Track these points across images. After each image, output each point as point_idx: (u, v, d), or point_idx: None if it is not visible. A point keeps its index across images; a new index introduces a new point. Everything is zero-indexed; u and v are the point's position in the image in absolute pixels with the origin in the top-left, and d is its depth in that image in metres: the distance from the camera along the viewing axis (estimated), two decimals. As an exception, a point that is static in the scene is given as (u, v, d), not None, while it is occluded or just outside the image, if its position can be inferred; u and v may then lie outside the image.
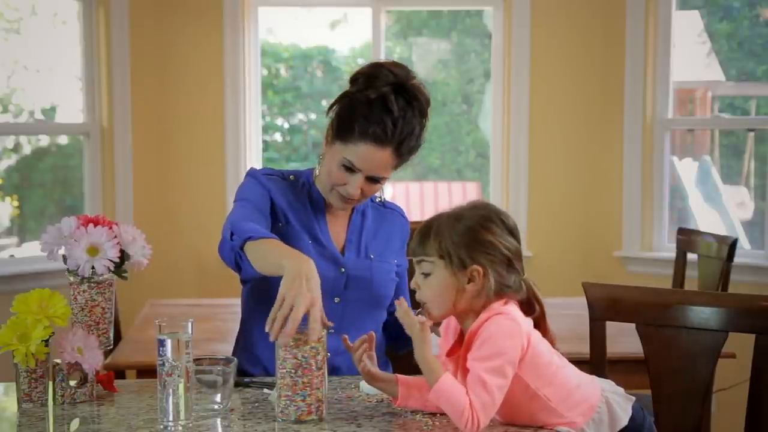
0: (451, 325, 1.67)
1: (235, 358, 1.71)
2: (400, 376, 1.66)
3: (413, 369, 2.29)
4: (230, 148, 4.40)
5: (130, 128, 4.25)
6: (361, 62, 1.99)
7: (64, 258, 1.77)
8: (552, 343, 1.63)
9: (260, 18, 4.52)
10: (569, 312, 3.07)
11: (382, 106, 1.86)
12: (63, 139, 4.48)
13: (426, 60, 6.30)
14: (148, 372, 2.52)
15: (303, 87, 6.16)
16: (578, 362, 1.71)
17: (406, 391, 1.64)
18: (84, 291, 1.78)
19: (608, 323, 2.03)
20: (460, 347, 1.60)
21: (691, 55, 4.56)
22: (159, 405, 1.57)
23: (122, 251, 1.78)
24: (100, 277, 1.77)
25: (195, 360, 1.63)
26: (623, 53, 4.27)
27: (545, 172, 4.43)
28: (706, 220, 4.52)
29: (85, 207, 4.21)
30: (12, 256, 4.18)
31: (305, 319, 1.54)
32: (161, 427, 1.56)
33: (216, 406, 1.66)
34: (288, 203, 1.98)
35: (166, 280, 4.19)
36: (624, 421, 1.64)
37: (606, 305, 2.02)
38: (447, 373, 1.54)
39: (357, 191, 1.90)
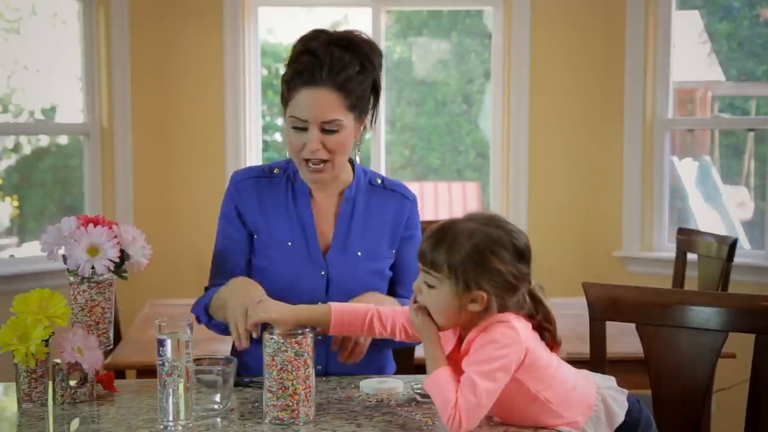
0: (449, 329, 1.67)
1: (235, 359, 1.71)
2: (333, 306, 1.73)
3: (414, 368, 2.29)
4: (230, 148, 4.40)
5: (130, 128, 4.25)
6: (380, 51, 1.95)
7: (64, 258, 1.77)
8: (556, 351, 1.62)
9: (260, 18, 4.52)
10: (569, 312, 3.06)
11: (305, 53, 1.84)
12: (63, 139, 4.48)
13: (426, 60, 6.30)
14: (148, 372, 2.53)
15: (303, 87, 6.14)
16: (578, 362, 1.71)
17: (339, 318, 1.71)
18: (84, 291, 1.78)
19: (608, 323, 2.02)
20: (458, 352, 1.60)
21: (691, 55, 4.56)
22: (159, 405, 1.57)
23: (122, 251, 1.78)
24: (100, 277, 1.78)
25: (195, 360, 1.63)
26: (623, 53, 4.27)
27: (545, 172, 4.43)
28: (706, 220, 4.52)
29: (85, 207, 4.21)
30: (12, 256, 4.18)
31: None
32: (161, 427, 1.56)
33: (216, 406, 1.66)
34: (263, 210, 1.95)
35: (166, 280, 4.18)
36: (621, 416, 1.64)
37: (606, 305, 2.01)
38: (446, 367, 1.54)
39: (315, 145, 1.84)
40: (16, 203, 4.42)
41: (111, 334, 1.83)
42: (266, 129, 5.80)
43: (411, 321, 1.63)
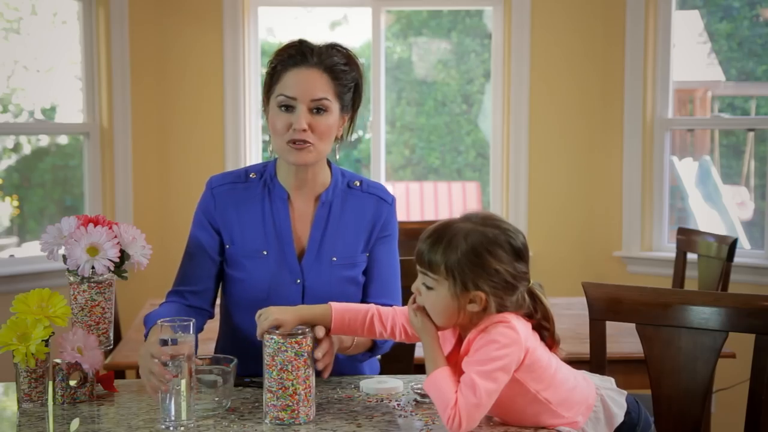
0: (449, 329, 1.67)
1: (235, 358, 1.71)
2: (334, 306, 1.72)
3: (414, 368, 2.29)
4: (230, 148, 4.40)
5: (130, 128, 4.25)
6: (362, 62, 1.97)
7: (64, 258, 1.77)
8: (555, 350, 1.62)
9: (260, 18, 4.52)
10: (569, 312, 3.07)
11: (292, 46, 1.88)
12: (63, 139, 4.48)
13: (426, 60, 6.31)
14: (148, 372, 2.53)
15: (303, 87, 6.15)
16: (578, 362, 1.72)
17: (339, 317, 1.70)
18: (84, 291, 1.78)
19: (608, 323, 2.03)
20: (458, 352, 1.60)
21: (691, 55, 4.56)
22: (161, 405, 1.57)
23: (122, 251, 1.79)
24: (100, 277, 1.78)
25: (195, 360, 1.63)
26: (623, 53, 4.27)
27: (545, 172, 4.44)
28: (706, 220, 4.52)
29: (85, 207, 4.21)
30: (12, 256, 4.18)
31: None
32: (162, 427, 1.56)
33: (216, 406, 1.66)
34: (239, 218, 1.94)
35: (166, 280, 4.16)
36: (620, 417, 1.64)
37: (606, 305, 2.01)
38: (445, 367, 1.54)
39: (302, 123, 1.83)
40: (16, 203, 4.42)
41: (111, 334, 1.83)
42: (266, 129, 5.81)
43: (409, 322, 1.63)
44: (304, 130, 1.84)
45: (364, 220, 1.97)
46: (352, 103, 1.94)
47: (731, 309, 1.90)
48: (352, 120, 1.96)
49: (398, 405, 1.71)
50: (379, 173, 4.53)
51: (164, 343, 1.56)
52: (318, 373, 1.66)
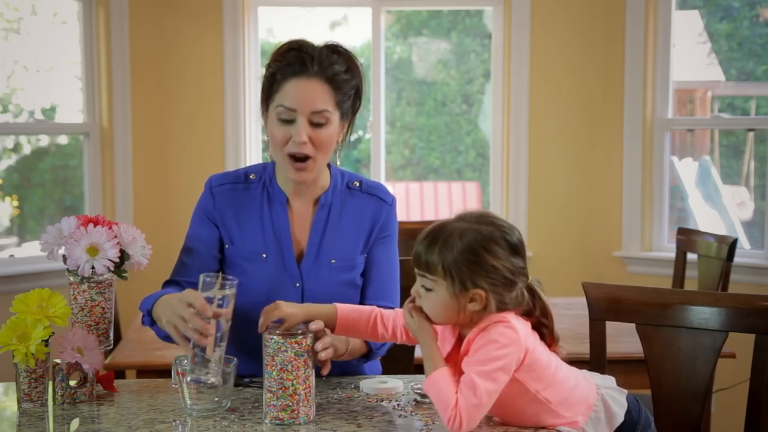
0: (448, 328, 1.67)
1: (235, 358, 1.71)
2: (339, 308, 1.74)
3: (414, 368, 2.29)
4: (230, 148, 4.40)
5: (130, 128, 4.25)
6: (362, 62, 1.96)
7: (64, 258, 1.77)
8: (555, 348, 1.62)
9: (260, 18, 4.52)
10: (569, 312, 3.07)
11: (291, 50, 1.85)
12: (63, 139, 4.48)
13: (426, 60, 6.31)
14: (148, 372, 2.53)
15: (303, 87, 6.14)
16: (578, 362, 1.71)
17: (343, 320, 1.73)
18: (84, 291, 1.78)
19: (608, 323, 2.03)
20: (458, 352, 1.60)
21: (691, 55, 4.56)
22: (191, 358, 1.58)
23: (122, 251, 1.79)
24: (100, 277, 1.78)
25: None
26: (623, 53, 4.27)
27: (545, 172, 4.44)
28: (706, 220, 4.52)
29: (85, 207, 4.21)
30: (12, 256, 4.18)
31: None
32: (188, 379, 1.59)
33: (216, 407, 1.66)
34: (238, 220, 1.94)
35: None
36: (620, 416, 1.64)
37: (606, 305, 2.01)
38: (445, 367, 1.54)
39: (302, 136, 1.81)
40: (16, 203, 4.42)
41: (111, 334, 1.83)
42: (266, 130, 5.80)
43: (405, 323, 1.63)
44: (304, 143, 1.83)
45: (364, 220, 1.96)
46: (352, 108, 1.92)
47: (731, 309, 1.90)
48: (351, 123, 1.95)
49: (398, 405, 1.71)
50: (379, 173, 4.53)
51: (210, 300, 1.58)
52: (317, 370, 1.66)
